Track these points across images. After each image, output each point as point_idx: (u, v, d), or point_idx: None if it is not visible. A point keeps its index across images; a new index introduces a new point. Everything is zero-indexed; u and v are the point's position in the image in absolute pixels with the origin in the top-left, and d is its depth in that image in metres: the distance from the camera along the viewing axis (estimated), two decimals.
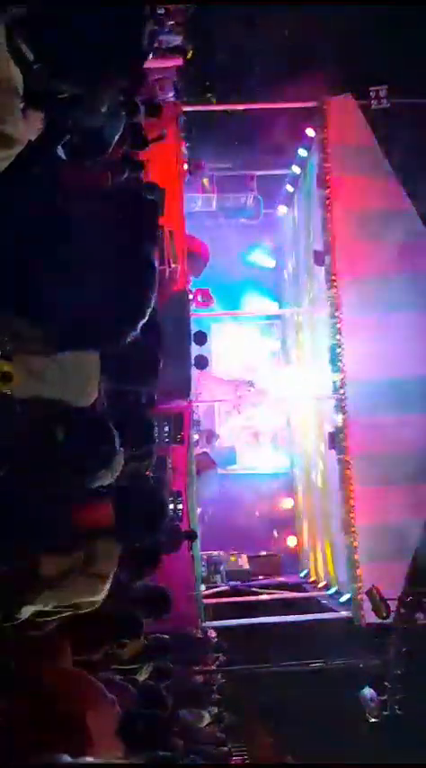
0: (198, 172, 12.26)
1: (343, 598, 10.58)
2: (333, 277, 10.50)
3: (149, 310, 2.52)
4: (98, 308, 2.39)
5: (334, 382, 10.74)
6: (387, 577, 9.37)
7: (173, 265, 9.41)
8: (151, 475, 4.98)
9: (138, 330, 2.51)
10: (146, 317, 2.52)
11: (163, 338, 3.95)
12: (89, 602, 2.88)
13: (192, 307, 11.20)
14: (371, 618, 9.27)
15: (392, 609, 8.70)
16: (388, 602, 8.64)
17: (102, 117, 3.54)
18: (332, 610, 10.73)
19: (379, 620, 8.83)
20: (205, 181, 13.01)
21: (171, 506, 9.33)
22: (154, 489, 3.50)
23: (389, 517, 10.07)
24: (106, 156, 4.18)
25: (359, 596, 9.83)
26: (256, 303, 14.08)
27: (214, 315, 13.19)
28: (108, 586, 2.94)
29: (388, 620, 8.72)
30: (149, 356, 3.75)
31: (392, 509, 10.01)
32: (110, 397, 3.39)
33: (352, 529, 10.07)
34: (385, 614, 8.59)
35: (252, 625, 10.37)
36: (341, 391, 10.53)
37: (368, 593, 8.82)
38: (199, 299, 12.30)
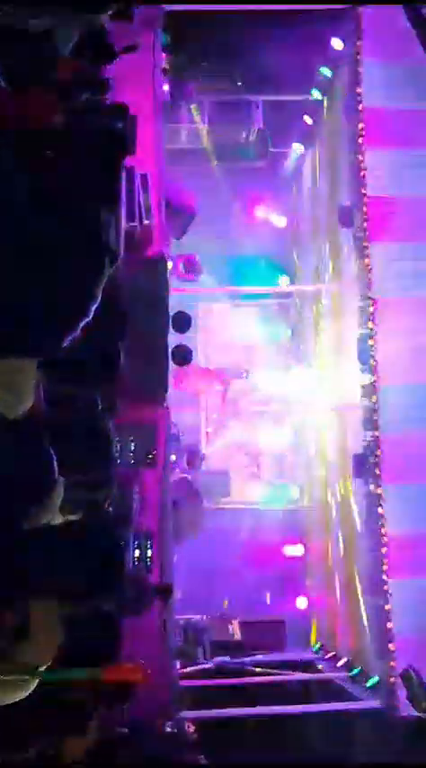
0: (183, 96, 12.27)
1: (371, 682, 10.59)
2: (365, 243, 10.53)
3: (93, 305, 2.52)
4: (21, 307, 2.37)
5: (363, 387, 10.78)
6: None
7: (145, 222, 9.42)
8: (109, 509, 4.99)
9: (78, 330, 2.50)
10: (88, 315, 2.51)
11: (128, 323, 3.96)
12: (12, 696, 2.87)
13: (172, 279, 11.19)
14: (408, 710, 9.28)
15: None
16: None
17: (48, 17, 3.53)
18: (355, 698, 10.76)
19: (418, 713, 8.84)
20: (193, 108, 13.03)
21: (136, 553, 9.34)
22: (109, 530, 3.48)
23: None
24: (56, 75, 4.18)
25: (391, 679, 9.83)
26: (260, 276, 14.11)
27: (202, 291, 13.20)
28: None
29: None
30: (107, 348, 3.75)
31: None
32: (52, 403, 3.38)
33: (385, 587, 10.08)
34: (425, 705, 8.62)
35: (246, 717, 10.37)
36: (373, 399, 10.57)
37: (404, 675, 8.84)
38: (182, 268, 12.32)
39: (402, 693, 9.26)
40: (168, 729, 9.63)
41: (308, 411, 13.77)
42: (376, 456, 10.50)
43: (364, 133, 10.56)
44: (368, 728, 9.99)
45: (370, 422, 10.66)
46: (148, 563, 9.51)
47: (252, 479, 14.44)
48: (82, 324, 2.48)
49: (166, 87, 11.12)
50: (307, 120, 13.37)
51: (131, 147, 8.16)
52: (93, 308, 2.49)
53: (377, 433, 10.55)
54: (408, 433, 10.51)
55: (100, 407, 4.48)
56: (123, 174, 8.60)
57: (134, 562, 9.32)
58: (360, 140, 10.62)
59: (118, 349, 3.69)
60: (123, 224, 8.40)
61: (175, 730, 9.72)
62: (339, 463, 12.30)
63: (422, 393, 10.39)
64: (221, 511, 13.64)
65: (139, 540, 9.43)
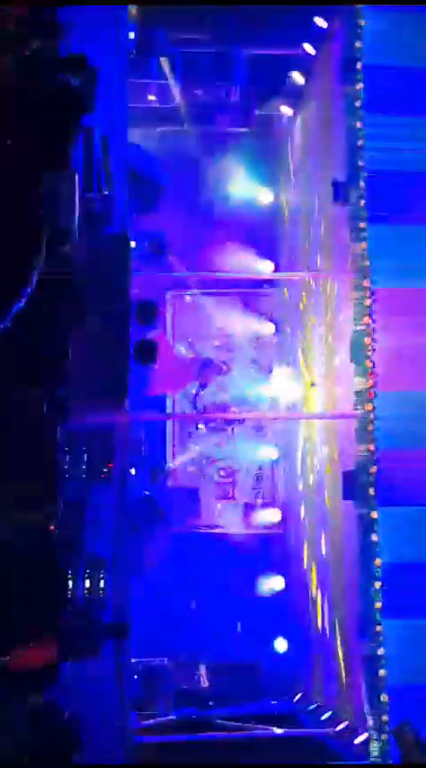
0: (151, 46, 12.26)
1: (360, 738, 10.66)
2: (362, 224, 10.59)
3: (26, 288, 2.53)
4: None
5: (358, 393, 10.83)
6: None
7: (105, 193, 9.41)
8: (53, 531, 5.00)
9: (8, 318, 2.52)
10: (20, 300, 2.53)
11: (81, 309, 3.98)
12: None
13: (136, 262, 11.18)
14: None
15: None
16: None
17: None
18: (342, 755, 10.80)
19: None
20: (163, 61, 13.04)
21: (86, 584, 9.31)
22: (50, 557, 3.50)
23: None
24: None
25: (383, 736, 9.88)
26: (240, 261, 14.11)
27: (171, 276, 13.19)
28: None
29: None
30: (50, 341, 3.77)
31: None
32: None
33: (378, 628, 10.13)
34: (422, 765, 8.65)
35: None
36: (368, 406, 10.62)
37: (396, 731, 8.89)
38: (148, 248, 12.30)
39: (396, 751, 9.29)
40: None
41: (293, 419, 13.79)
42: (370, 474, 10.54)
43: (363, 95, 10.62)
44: None
45: (365, 434, 10.69)
46: (101, 596, 9.46)
47: (227, 499, 14.43)
48: (13, 310, 2.50)
49: (132, 35, 11.11)
50: (297, 78, 13.40)
51: (89, 104, 8.20)
52: (26, 292, 2.51)
53: (372, 447, 10.58)
54: (409, 450, 10.57)
55: (45, 409, 4.50)
56: (79, 136, 8.63)
57: (83, 595, 9.30)
58: (358, 103, 10.67)
59: (66, 339, 3.71)
60: (77, 195, 8.39)
61: None
62: (327, 481, 12.34)
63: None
64: (189, 535, 13.63)
65: (90, 568, 9.39)
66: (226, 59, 13.49)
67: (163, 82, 13.14)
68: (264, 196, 14.60)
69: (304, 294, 13.59)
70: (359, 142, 10.67)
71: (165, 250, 12.51)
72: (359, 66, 10.81)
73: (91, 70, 7.80)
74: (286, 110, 14.02)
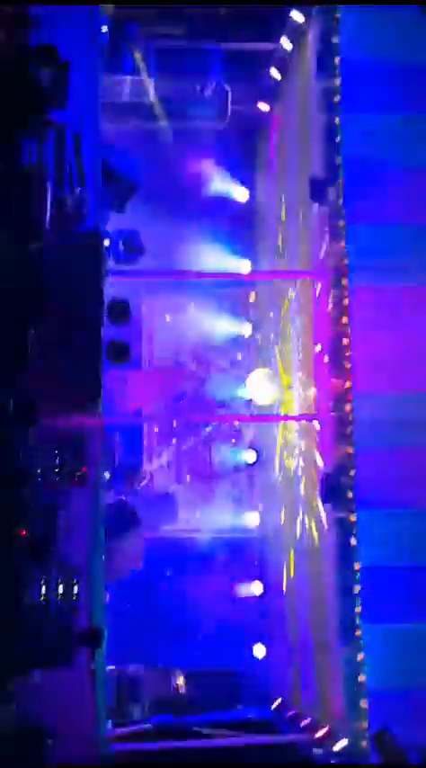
0: (125, 40, 12.23)
1: (339, 745, 10.65)
2: (340, 222, 10.59)
3: None
4: None
5: (337, 394, 10.83)
6: (408, 713, 9.48)
7: (77, 190, 9.38)
8: (26, 535, 4.96)
9: None
10: None
11: (43, 301, 3.93)
12: None
13: (109, 261, 11.14)
14: None
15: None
16: (408, 753, 8.71)
17: None
18: (321, 763, 10.79)
19: None
20: (137, 56, 13.01)
21: (60, 590, 9.25)
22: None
23: (419, 615, 10.21)
24: None
25: (362, 743, 9.88)
26: (216, 260, 14.10)
27: (145, 277, 13.16)
28: None
29: None
30: (10, 338, 3.72)
31: (421, 601, 10.15)
32: None
33: (357, 633, 10.14)
34: None
35: None
36: (347, 408, 10.63)
37: (377, 737, 8.88)
38: (122, 248, 12.25)
39: (376, 758, 9.29)
40: None
41: (271, 421, 13.78)
42: (349, 477, 10.54)
43: (340, 90, 10.62)
44: None
45: (343, 436, 10.70)
46: (74, 602, 9.40)
47: (204, 503, 14.41)
48: None
49: (105, 29, 11.06)
50: (274, 73, 13.42)
51: (61, 99, 8.15)
52: None
53: (350, 450, 10.59)
54: (389, 451, 10.58)
55: (11, 411, 4.46)
56: (50, 133, 8.59)
57: (56, 601, 9.24)
58: (336, 99, 10.67)
59: (25, 338, 3.67)
60: (49, 192, 8.35)
61: None
62: (305, 484, 12.34)
63: (405, 405, 10.44)
64: (165, 540, 13.60)
65: (63, 574, 9.32)
66: (201, 54, 13.48)
67: (136, 77, 13.12)
68: (241, 194, 14.59)
69: (281, 293, 13.59)
70: (337, 139, 10.66)
71: (139, 249, 12.46)
72: (336, 61, 10.80)
73: (62, 65, 7.76)
74: (263, 106, 14.02)
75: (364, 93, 10.77)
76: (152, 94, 13.29)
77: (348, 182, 10.80)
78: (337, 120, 10.76)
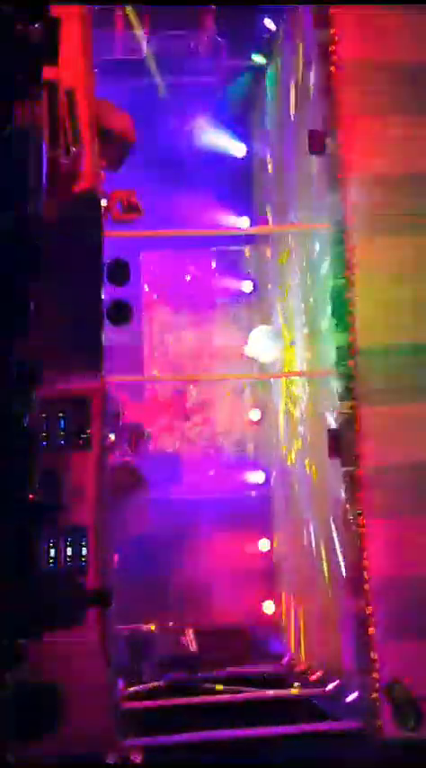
0: None
1: (350, 697, 10.76)
2: (339, 173, 10.51)
3: None
4: None
5: (339, 349, 10.81)
6: (419, 665, 9.54)
7: (73, 149, 9.29)
8: (33, 500, 4.97)
9: None
10: None
11: (43, 269, 3.91)
12: None
13: (107, 221, 11.06)
14: (392, 729, 9.42)
15: None
16: (421, 704, 8.80)
17: None
18: (331, 716, 10.90)
19: (404, 733, 8.97)
20: (129, 11, 12.87)
21: (68, 551, 9.31)
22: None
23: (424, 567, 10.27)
24: None
25: (373, 695, 9.99)
26: (214, 217, 14.03)
27: (144, 234, 13.08)
28: None
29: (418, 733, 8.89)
30: (9, 301, 3.70)
31: None
32: None
33: (365, 586, 10.20)
34: (413, 724, 8.74)
35: (203, 744, 10.43)
36: (350, 363, 10.61)
37: (388, 689, 8.96)
38: (119, 207, 12.17)
39: (387, 710, 9.37)
40: (111, 761, 9.66)
41: (274, 379, 13.78)
42: (354, 432, 10.55)
43: (336, 39, 10.49)
44: (347, 753, 10.11)
45: (347, 391, 10.70)
46: (83, 564, 9.46)
47: (209, 462, 14.48)
48: None
49: None
50: (269, 24, 13.25)
51: (52, 56, 8.04)
52: None
53: (354, 405, 10.59)
54: (395, 406, 10.57)
55: (17, 373, 4.44)
56: (42, 91, 8.48)
57: (65, 563, 9.30)
58: (331, 49, 10.55)
59: (26, 296, 3.64)
60: (44, 152, 8.27)
61: (119, 762, 9.76)
62: (311, 441, 12.36)
63: (407, 354, 10.42)
64: (171, 501, 13.66)
65: (72, 536, 9.38)
66: (194, 7, 13.33)
67: (129, 32, 12.98)
68: (237, 148, 14.50)
69: (281, 250, 13.53)
70: (334, 87, 10.54)
71: (137, 208, 12.36)
72: (332, 11, 10.65)
73: (52, 20, 7.64)
74: (258, 58, 13.86)
75: (361, 40, 10.62)
76: (146, 51, 13.14)
77: (346, 132, 10.67)
78: (333, 68, 10.62)
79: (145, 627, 12.32)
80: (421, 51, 10.69)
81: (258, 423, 14.66)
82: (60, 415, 9.54)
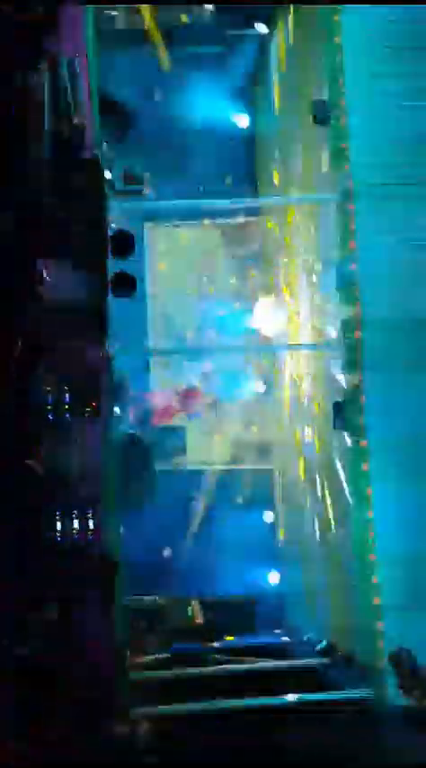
0: None
1: (355, 666, 10.81)
2: (343, 144, 10.46)
3: None
4: None
5: (344, 321, 10.80)
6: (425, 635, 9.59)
7: (76, 120, 9.24)
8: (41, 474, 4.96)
9: None
10: None
11: (48, 241, 3.88)
12: None
13: (110, 192, 11.01)
14: (399, 698, 9.46)
15: None
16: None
17: None
18: (337, 686, 10.95)
19: (410, 703, 9.01)
20: None
21: (75, 524, 9.33)
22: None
23: None
24: None
25: (379, 664, 10.02)
26: (218, 188, 13.97)
27: (147, 206, 13.05)
28: None
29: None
30: (14, 273, 3.68)
31: None
32: None
33: (371, 556, 10.23)
34: (419, 693, 8.77)
35: (208, 714, 10.49)
36: (356, 335, 10.59)
37: (394, 658, 8.98)
38: (122, 179, 12.13)
39: (392, 680, 9.41)
40: (119, 731, 9.72)
41: (279, 351, 13.78)
42: (359, 403, 10.55)
43: (341, 8, 10.40)
44: (355, 720, 10.16)
45: (352, 363, 10.70)
46: (90, 537, 9.49)
47: (215, 435, 14.49)
48: None
49: None
50: None
51: (54, 27, 7.98)
52: None
53: (360, 377, 10.59)
54: (396, 375, 10.58)
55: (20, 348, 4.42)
56: (44, 61, 8.42)
57: (72, 536, 9.33)
58: (337, 18, 10.45)
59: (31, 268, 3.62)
60: (46, 124, 8.24)
61: (127, 731, 9.82)
62: (316, 413, 12.36)
63: (412, 326, 10.41)
64: (178, 471, 13.70)
65: (78, 509, 9.40)
66: None
67: (131, 6, 12.88)
68: (240, 120, 14.41)
69: (285, 221, 13.47)
70: (339, 58, 10.46)
71: (140, 180, 12.32)
72: None
73: None
74: (261, 27, 13.75)
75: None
76: (147, 20, 13.03)
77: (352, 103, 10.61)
78: (338, 38, 10.53)
79: (151, 598, 12.37)
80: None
81: (263, 394, 14.65)
82: (65, 387, 9.52)
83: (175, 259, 14.55)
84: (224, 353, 14.43)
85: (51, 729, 6.96)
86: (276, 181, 13.90)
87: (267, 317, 13.95)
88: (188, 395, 14.15)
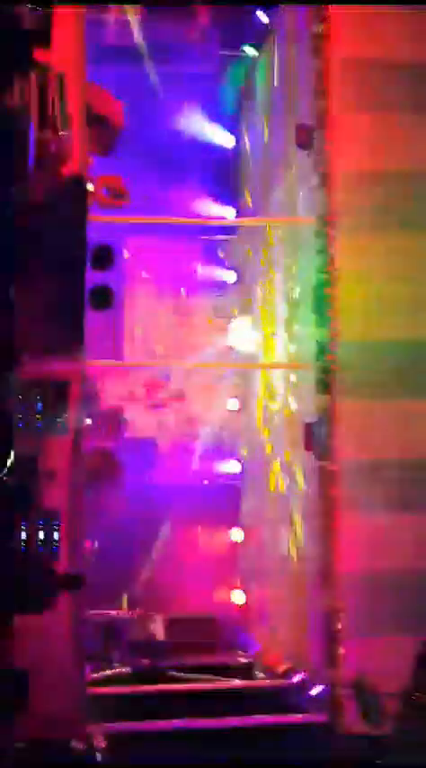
0: None
1: (315, 691, 10.78)
2: (325, 169, 10.50)
3: None
4: None
5: (319, 343, 10.82)
6: (386, 660, 9.56)
7: (61, 133, 9.22)
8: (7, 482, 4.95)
9: None
10: None
11: (27, 252, 3.87)
12: None
13: (92, 205, 11.01)
14: (358, 725, 9.43)
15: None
16: (385, 700, 8.82)
17: None
18: (297, 709, 10.92)
19: (368, 729, 9.00)
20: None
21: (41, 535, 9.27)
22: None
23: (394, 562, 10.28)
24: None
25: (339, 690, 10.00)
26: (200, 206, 13.99)
27: (129, 220, 13.04)
28: None
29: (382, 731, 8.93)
30: None
31: (397, 547, 10.23)
32: None
33: (334, 581, 10.22)
34: (377, 720, 8.76)
35: (168, 732, 10.44)
36: (329, 357, 10.62)
37: (354, 685, 8.97)
38: (105, 192, 12.11)
39: (352, 705, 9.40)
40: (75, 746, 9.65)
41: (254, 371, 13.79)
42: (329, 425, 10.56)
43: (327, 33, 10.45)
44: (312, 745, 10.13)
45: (325, 384, 10.72)
46: (54, 549, 9.43)
47: (186, 449, 14.48)
48: None
49: None
50: (262, 16, 13.17)
51: (45, 38, 7.99)
52: None
53: (332, 399, 10.61)
54: (372, 401, 10.61)
55: None
56: (32, 74, 8.42)
57: (37, 547, 9.26)
58: (322, 44, 10.51)
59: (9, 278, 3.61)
60: (32, 135, 8.22)
61: (83, 747, 9.75)
62: (288, 434, 12.38)
63: (386, 350, 10.45)
64: (145, 487, 13.66)
65: (44, 519, 9.34)
66: None
67: (121, 17, 12.89)
68: (224, 139, 14.46)
69: (265, 241, 13.51)
70: (325, 84, 10.51)
71: (122, 194, 12.31)
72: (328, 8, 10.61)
73: (46, 2, 7.60)
74: (249, 50, 13.80)
75: (353, 34, 10.59)
76: (136, 38, 13.06)
77: (335, 127, 10.66)
78: (324, 66, 10.58)
79: (115, 612, 12.31)
80: (414, 50, 10.68)
81: (236, 412, 14.65)
82: (38, 397, 9.48)
83: (155, 273, 14.55)
84: (197, 370, 14.44)
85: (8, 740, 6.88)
86: (258, 201, 13.94)
87: (243, 336, 13.97)
88: (153, 384, 14.17)
